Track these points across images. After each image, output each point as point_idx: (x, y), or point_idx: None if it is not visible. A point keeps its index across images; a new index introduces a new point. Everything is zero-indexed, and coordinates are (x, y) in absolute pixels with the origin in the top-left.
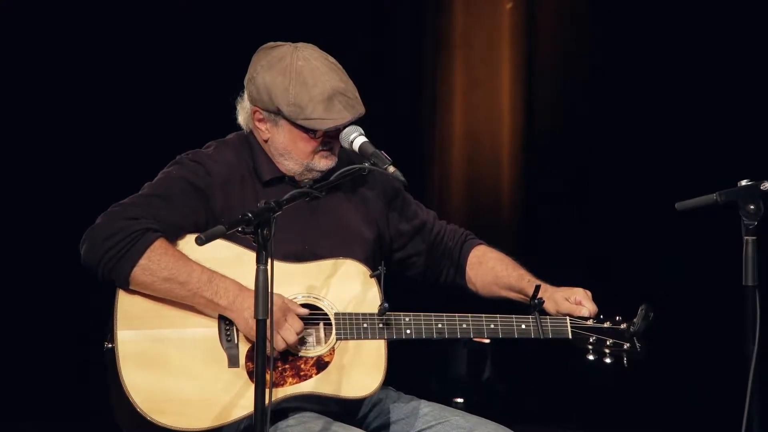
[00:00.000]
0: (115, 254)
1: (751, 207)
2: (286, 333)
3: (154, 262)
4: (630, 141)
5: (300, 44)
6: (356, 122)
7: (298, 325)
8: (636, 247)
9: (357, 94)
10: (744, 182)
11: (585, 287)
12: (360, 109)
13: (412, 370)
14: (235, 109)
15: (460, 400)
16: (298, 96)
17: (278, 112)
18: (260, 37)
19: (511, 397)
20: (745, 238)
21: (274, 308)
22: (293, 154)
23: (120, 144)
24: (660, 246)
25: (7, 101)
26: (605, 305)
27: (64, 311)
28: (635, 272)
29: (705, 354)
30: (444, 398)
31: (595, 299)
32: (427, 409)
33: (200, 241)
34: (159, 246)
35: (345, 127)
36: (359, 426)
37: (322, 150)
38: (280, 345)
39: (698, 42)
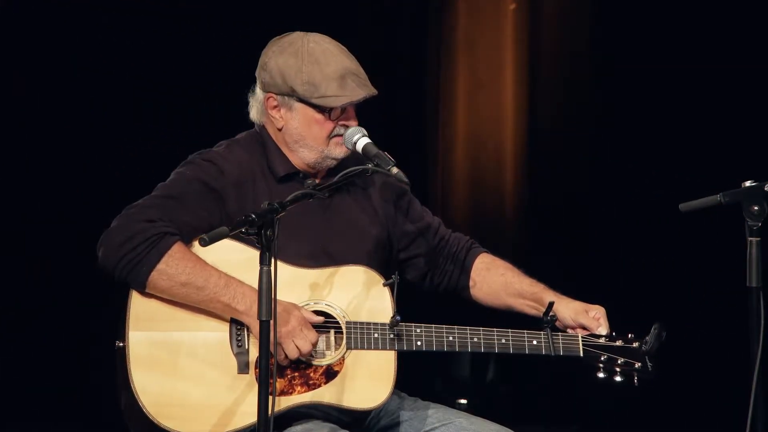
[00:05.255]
0: (132, 259)
1: (755, 208)
2: (301, 342)
3: (171, 266)
4: (634, 142)
5: (310, 32)
6: (360, 123)
7: (314, 335)
8: (639, 248)
9: (367, 78)
10: (748, 183)
11: (586, 286)
12: (372, 89)
13: (417, 371)
14: (241, 109)
15: (463, 401)
16: (312, 74)
17: (292, 94)
18: (263, 37)
19: (514, 398)
20: (749, 239)
21: (291, 319)
22: (308, 141)
23: (130, 145)
24: (663, 246)
25: (13, 103)
26: (608, 305)
27: (71, 312)
28: (638, 272)
29: (708, 355)
30: (447, 399)
31: (597, 299)
32: (431, 410)
33: (204, 243)
34: (176, 250)
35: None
36: (365, 428)
37: (336, 136)
38: (293, 354)
39: (702, 43)
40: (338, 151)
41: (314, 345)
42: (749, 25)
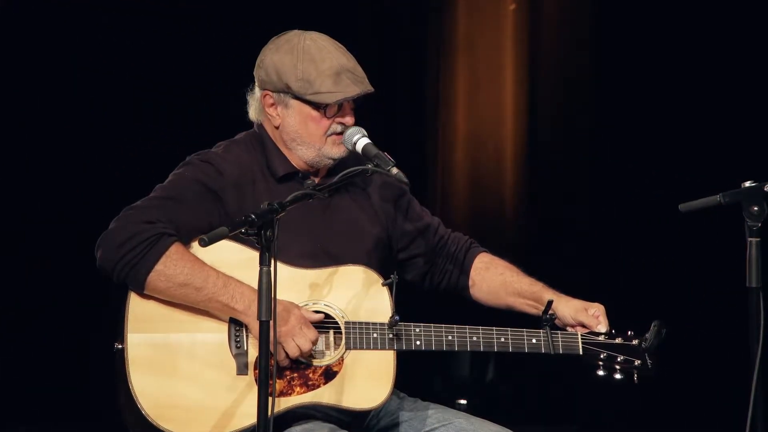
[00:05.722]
0: (131, 260)
1: (755, 208)
2: (301, 341)
3: (170, 267)
4: (633, 142)
5: (308, 31)
6: (360, 123)
7: (313, 334)
8: (639, 248)
9: (365, 76)
10: (747, 183)
11: (587, 286)
12: (368, 87)
13: (416, 371)
14: (241, 109)
15: (463, 401)
16: (306, 71)
17: (287, 91)
18: (263, 37)
19: (514, 398)
20: (749, 239)
21: (291, 318)
22: (305, 138)
23: (130, 145)
24: (663, 246)
25: (13, 103)
26: (608, 304)
27: (71, 312)
28: (638, 272)
29: (708, 355)
30: (447, 399)
31: (597, 298)
32: (431, 411)
33: (203, 243)
34: (175, 251)
35: (355, 102)
36: (364, 428)
37: (333, 135)
38: (293, 353)
39: (702, 43)
40: (335, 151)
41: (314, 343)
42: (749, 25)
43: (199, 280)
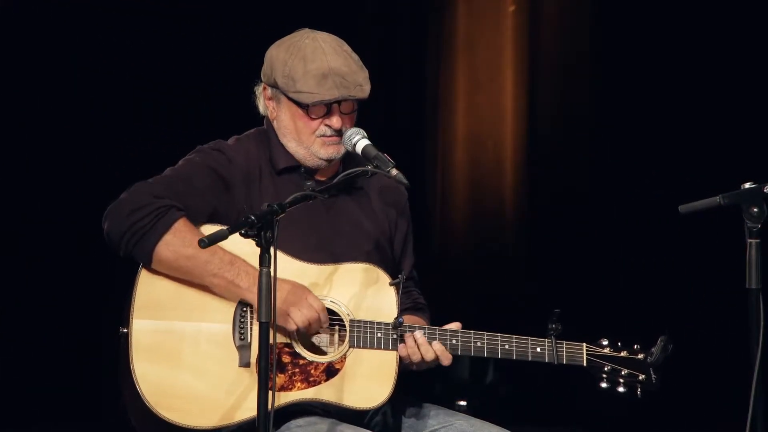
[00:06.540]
0: (140, 229)
1: (755, 209)
2: (307, 311)
3: (178, 238)
4: (633, 143)
5: (317, 31)
6: (359, 123)
7: (319, 305)
8: (639, 248)
9: (361, 83)
10: (747, 185)
11: (586, 286)
12: (355, 93)
13: (417, 372)
14: (242, 109)
15: (463, 402)
16: (294, 69)
17: (276, 85)
18: (263, 37)
19: (514, 400)
20: (749, 240)
21: (298, 291)
22: (294, 135)
23: (130, 145)
24: (663, 247)
25: (13, 103)
26: (608, 305)
27: (71, 312)
28: (638, 273)
29: (708, 356)
30: (447, 401)
31: (597, 299)
32: (431, 412)
33: (203, 244)
34: (183, 223)
35: (340, 104)
36: (364, 427)
37: (322, 137)
38: (302, 321)
39: (701, 45)
40: (323, 152)
41: (321, 315)
42: (749, 26)
43: (206, 254)
